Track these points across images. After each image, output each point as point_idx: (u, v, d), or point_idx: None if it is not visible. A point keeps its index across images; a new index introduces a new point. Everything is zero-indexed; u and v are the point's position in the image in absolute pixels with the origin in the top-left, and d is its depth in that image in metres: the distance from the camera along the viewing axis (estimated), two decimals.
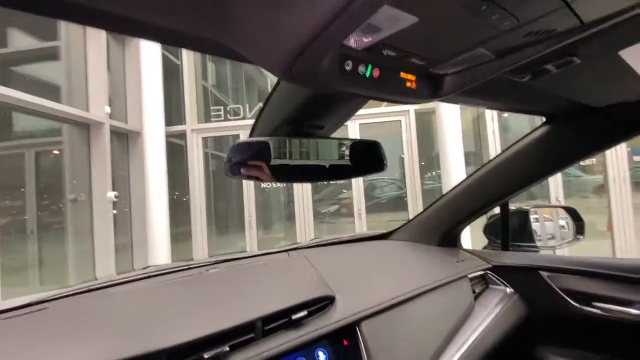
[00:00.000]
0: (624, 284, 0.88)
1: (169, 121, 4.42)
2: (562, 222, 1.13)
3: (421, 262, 1.01)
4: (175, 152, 4.61)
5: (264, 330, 0.59)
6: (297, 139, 0.51)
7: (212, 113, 4.95)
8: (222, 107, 4.97)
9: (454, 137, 4.21)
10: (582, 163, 4.83)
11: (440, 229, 1.13)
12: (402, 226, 1.22)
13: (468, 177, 1.04)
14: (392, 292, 0.79)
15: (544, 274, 0.99)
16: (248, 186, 4.53)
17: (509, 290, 1.01)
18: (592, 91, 0.65)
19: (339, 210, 4.60)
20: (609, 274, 0.90)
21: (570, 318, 0.93)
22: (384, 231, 1.26)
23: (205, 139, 4.72)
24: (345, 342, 0.67)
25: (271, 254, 0.99)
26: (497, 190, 1.01)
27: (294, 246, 1.11)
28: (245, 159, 0.49)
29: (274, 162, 0.49)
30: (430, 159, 4.66)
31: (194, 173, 4.54)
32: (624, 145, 4.25)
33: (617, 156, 4.24)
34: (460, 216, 1.09)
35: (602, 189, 4.56)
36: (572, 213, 1.11)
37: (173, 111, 4.55)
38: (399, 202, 4.79)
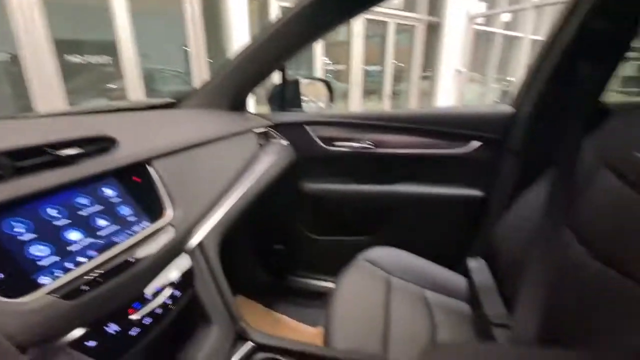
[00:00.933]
0: (351, 128, 1.30)
1: None
2: (321, 92, 1.47)
3: (212, 121, 1.06)
4: None
5: (17, 168, 0.47)
6: None
7: None
8: None
9: (241, 21, 4.13)
10: (335, 71, 6.09)
11: (229, 94, 1.18)
12: (190, 94, 1.18)
13: (250, 43, 1.08)
14: (184, 138, 0.81)
15: (307, 127, 1.30)
16: None
17: (284, 142, 1.27)
18: None
19: None
20: (344, 122, 1.30)
21: (321, 156, 1.31)
22: (171, 100, 1.18)
23: None
24: (137, 179, 0.64)
25: (28, 118, 0.74)
26: (276, 55, 1.13)
27: (64, 111, 0.87)
28: None
29: None
30: (219, 48, 4.43)
31: None
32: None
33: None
34: (247, 81, 1.17)
35: (346, 95, 6.08)
36: (327, 85, 1.45)
37: None
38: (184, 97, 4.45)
